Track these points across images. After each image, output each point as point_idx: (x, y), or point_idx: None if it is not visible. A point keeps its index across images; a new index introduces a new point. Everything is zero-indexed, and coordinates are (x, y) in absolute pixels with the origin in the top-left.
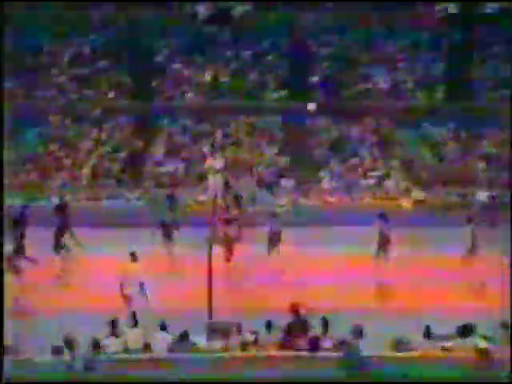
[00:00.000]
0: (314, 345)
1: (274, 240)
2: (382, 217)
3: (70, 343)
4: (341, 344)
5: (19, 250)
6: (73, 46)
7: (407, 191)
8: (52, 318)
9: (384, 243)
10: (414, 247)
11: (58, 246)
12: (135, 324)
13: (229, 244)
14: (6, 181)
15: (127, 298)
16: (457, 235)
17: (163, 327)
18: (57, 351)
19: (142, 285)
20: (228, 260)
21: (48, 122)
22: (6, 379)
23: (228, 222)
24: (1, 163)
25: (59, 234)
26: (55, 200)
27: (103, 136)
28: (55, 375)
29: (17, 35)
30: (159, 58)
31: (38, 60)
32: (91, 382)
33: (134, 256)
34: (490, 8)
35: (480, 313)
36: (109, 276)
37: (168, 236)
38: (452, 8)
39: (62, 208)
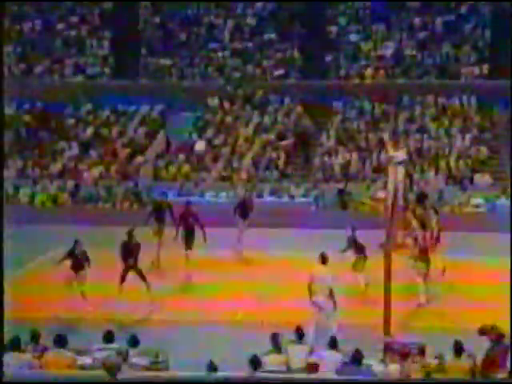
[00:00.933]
0: None
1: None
2: None
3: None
4: None
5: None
6: (235, 17)
7: None
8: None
9: None
10: None
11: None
12: (300, 339)
13: (425, 254)
14: (153, 173)
15: (316, 306)
16: None
17: (333, 344)
18: None
19: (330, 291)
20: (425, 276)
21: (204, 105)
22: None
23: (424, 223)
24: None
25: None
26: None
27: (266, 121)
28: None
29: (169, 4)
30: (333, 29)
31: (193, 33)
32: (90, 382)
33: (324, 258)
34: None
35: None
36: (270, 283)
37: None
38: None
39: (245, 205)
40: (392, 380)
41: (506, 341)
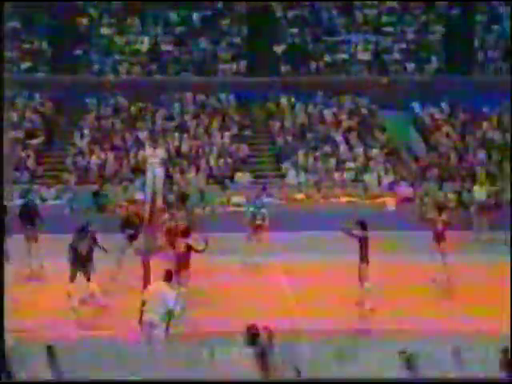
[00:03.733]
0: None
1: None
2: (362, 225)
3: None
4: None
5: None
6: None
7: (391, 187)
8: None
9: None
10: (397, 254)
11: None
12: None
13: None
14: None
15: (146, 325)
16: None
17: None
18: None
19: (169, 312)
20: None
21: None
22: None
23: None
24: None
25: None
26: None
27: (14, 117)
28: None
29: None
30: (84, 21)
31: None
32: (90, 383)
33: (169, 275)
34: None
35: None
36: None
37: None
38: None
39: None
40: (392, 380)
41: (263, 342)
